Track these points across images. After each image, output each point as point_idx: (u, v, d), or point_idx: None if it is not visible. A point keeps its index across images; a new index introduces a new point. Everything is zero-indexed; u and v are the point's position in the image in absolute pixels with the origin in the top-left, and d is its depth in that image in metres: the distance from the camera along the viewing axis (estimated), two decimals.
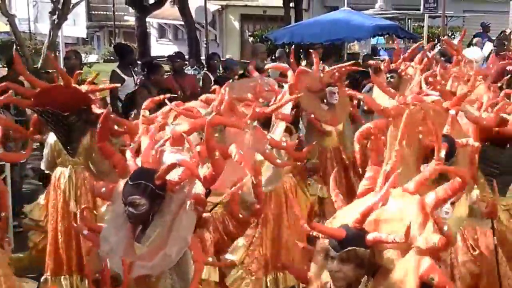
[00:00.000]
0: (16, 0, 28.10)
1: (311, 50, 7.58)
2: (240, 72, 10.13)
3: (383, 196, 2.75)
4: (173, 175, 3.13)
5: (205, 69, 10.54)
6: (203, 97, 4.60)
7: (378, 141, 3.34)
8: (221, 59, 11.67)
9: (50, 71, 7.66)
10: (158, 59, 15.91)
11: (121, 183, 3.24)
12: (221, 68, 10.14)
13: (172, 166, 3.09)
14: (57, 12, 11.27)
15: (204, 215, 3.35)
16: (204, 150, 3.28)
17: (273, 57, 12.79)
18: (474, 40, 12.74)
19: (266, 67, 7.59)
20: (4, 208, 3.97)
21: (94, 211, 4.89)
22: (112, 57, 21.92)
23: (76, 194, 5.28)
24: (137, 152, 3.46)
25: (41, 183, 7.85)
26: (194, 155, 3.19)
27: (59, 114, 4.78)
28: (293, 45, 9.90)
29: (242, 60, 19.75)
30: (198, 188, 3.17)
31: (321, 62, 7.77)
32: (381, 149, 3.37)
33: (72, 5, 11.72)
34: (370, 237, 2.67)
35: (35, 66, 10.26)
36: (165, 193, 3.12)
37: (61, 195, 5.27)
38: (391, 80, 6.78)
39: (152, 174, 3.09)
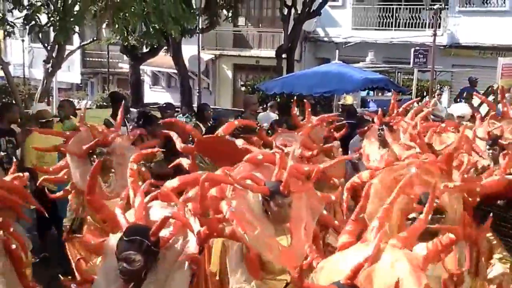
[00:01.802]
0: (11, 46, 28.38)
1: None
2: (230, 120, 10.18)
3: (374, 253, 2.74)
4: (165, 232, 3.13)
5: (195, 118, 10.58)
6: (250, 158, 4.05)
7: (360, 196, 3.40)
8: (212, 107, 11.74)
9: (49, 119, 7.71)
10: (150, 106, 16.03)
11: (112, 237, 3.22)
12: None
13: (165, 220, 3.08)
14: (51, 61, 11.31)
15: None
16: (196, 207, 3.29)
17: (264, 107, 12.90)
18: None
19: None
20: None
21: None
22: (105, 103, 22.01)
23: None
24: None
25: (36, 232, 7.82)
26: (179, 208, 3.20)
27: None
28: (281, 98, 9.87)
29: (234, 109, 19.88)
30: (192, 246, 3.15)
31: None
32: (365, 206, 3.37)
33: (66, 53, 11.76)
34: None
35: (26, 110, 10.27)
36: (159, 250, 3.10)
37: None
38: (382, 132, 6.84)
39: (147, 230, 3.08)
